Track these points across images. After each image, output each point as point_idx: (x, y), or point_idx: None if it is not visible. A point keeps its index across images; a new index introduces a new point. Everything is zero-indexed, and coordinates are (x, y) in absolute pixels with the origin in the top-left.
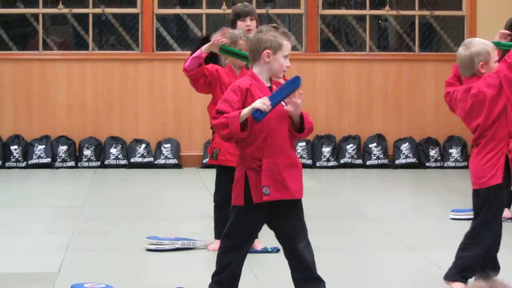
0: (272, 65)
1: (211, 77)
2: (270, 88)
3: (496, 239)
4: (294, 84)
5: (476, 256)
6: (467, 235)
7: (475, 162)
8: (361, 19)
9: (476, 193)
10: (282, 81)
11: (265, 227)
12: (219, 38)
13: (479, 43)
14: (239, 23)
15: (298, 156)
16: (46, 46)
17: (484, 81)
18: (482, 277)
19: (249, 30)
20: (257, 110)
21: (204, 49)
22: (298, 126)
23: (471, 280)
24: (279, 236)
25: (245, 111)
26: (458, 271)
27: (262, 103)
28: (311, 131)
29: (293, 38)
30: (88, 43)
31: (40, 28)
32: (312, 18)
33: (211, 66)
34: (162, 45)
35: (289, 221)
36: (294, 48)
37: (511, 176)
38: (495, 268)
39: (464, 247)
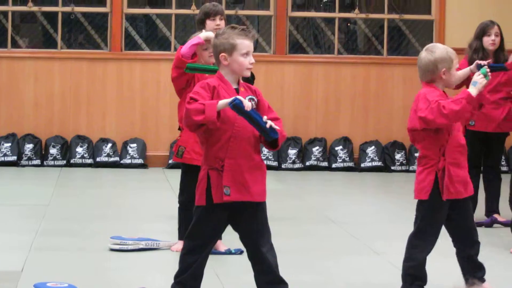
0: (232, 67)
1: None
2: (237, 90)
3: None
4: (270, 134)
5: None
6: (407, 246)
7: (416, 172)
8: (330, 21)
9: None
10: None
11: (229, 229)
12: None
13: (444, 49)
14: (208, 22)
15: (264, 158)
16: (14, 44)
17: (420, 106)
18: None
19: (219, 29)
20: (241, 102)
21: (203, 36)
22: (270, 141)
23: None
24: (242, 238)
25: (223, 101)
26: (410, 283)
27: (247, 101)
28: (283, 140)
29: (251, 34)
30: (57, 41)
31: (9, 26)
32: (281, 20)
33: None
34: (130, 44)
35: (252, 224)
36: (262, 49)
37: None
38: (478, 269)
39: (407, 257)
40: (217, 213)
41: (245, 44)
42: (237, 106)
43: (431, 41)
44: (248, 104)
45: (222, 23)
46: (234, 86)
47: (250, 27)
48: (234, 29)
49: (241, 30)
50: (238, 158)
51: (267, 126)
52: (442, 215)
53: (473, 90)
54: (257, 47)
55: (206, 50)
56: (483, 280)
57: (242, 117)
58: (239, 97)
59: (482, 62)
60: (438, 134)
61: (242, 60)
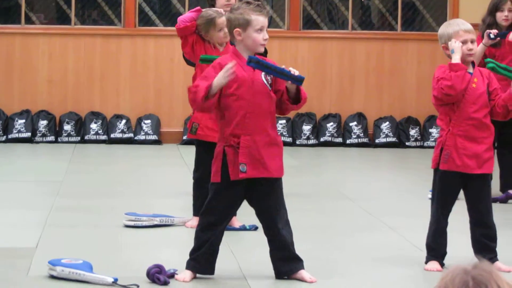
0: (246, 42)
1: (196, 43)
2: None
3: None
4: (298, 77)
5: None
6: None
7: None
8: None
9: None
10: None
11: (244, 204)
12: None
13: (444, 25)
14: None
15: (278, 133)
16: (28, 20)
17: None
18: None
19: (229, 5)
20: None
21: (204, 11)
22: (294, 96)
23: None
24: (258, 214)
25: (217, 79)
26: (427, 252)
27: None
28: (305, 102)
29: (266, 10)
30: (71, 17)
31: (22, 2)
32: None
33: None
34: (144, 20)
35: (268, 200)
36: (276, 25)
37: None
38: (488, 252)
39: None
40: (233, 189)
41: (260, 20)
42: (252, 60)
43: (445, 17)
44: (232, 67)
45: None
46: None
47: (264, 3)
48: (249, 5)
49: (256, 6)
50: (254, 134)
51: (292, 72)
52: (449, 187)
53: (453, 58)
54: (271, 23)
55: (220, 31)
56: (493, 261)
57: (257, 93)
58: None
59: (491, 32)
60: (448, 105)
61: (256, 36)
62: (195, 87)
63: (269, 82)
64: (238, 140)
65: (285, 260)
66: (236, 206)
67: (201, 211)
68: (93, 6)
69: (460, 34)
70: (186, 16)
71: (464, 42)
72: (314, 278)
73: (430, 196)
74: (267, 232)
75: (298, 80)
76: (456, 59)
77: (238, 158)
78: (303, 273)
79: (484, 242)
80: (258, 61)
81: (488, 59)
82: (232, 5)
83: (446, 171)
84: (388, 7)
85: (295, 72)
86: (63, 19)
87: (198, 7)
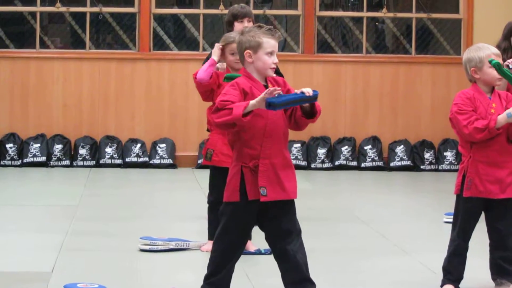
0: (256, 64)
1: (214, 84)
2: (266, 86)
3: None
4: (314, 96)
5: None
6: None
7: None
8: (358, 21)
9: None
10: (277, 80)
11: (258, 229)
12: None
13: (474, 49)
14: (236, 24)
15: (293, 157)
16: (43, 45)
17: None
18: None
19: None
20: (273, 97)
21: (214, 55)
22: (309, 111)
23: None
24: (269, 237)
25: (253, 101)
26: (443, 275)
27: (274, 92)
28: (320, 114)
29: (278, 34)
30: (85, 42)
31: (37, 26)
32: (309, 19)
33: (213, 78)
34: (159, 44)
35: (281, 222)
36: (291, 49)
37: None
38: (505, 274)
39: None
40: (250, 210)
41: (271, 43)
42: (272, 104)
43: (459, 40)
44: (278, 91)
45: (250, 25)
46: (263, 83)
47: (278, 26)
48: (261, 28)
49: (267, 30)
50: (272, 157)
51: (306, 94)
52: (472, 213)
53: (501, 120)
54: (285, 47)
55: (233, 55)
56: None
57: (274, 116)
58: (267, 93)
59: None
60: None
61: (266, 59)
62: (223, 105)
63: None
64: (256, 162)
65: (298, 283)
66: (250, 227)
67: (216, 234)
68: (108, 30)
69: (492, 58)
70: (204, 74)
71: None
72: None
73: (445, 219)
74: (277, 255)
75: (315, 99)
76: (502, 123)
77: (256, 179)
78: None
79: (503, 265)
80: (274, 104)
81: (491, 59)
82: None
83: (469, 197)
84: (402, 31)
85: (309, 92)
86: (78, 43)
87: (212, 60)
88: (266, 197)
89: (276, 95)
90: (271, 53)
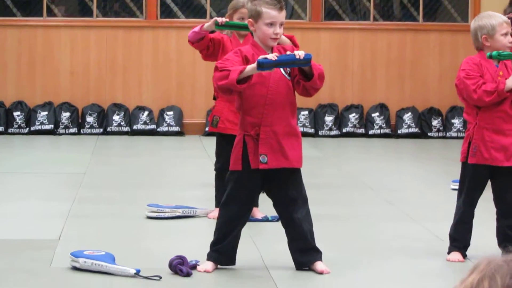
0: (257, 34)
1: (213, 47)
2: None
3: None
4: (305, 59)
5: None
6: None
7: None
8: None
9: None
10: (286, 48)
11: (265, 196)
12: (220, 19)
13: (485, 17)
14: None
15: (300, 125)
16: (50, 13)
17: (457, 73)
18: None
19: None
20: (264, 58)
21: (206, 26)
22: (308, 73)
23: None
24: (276, 205)
25: (250, 66)
26: (450, 243)
27: (270, 55)
28: (323, 77)
29: (280, 5)
30: (93, 9)
31: None
32: None
33: (216, 34)
34: (166, 12)
35: (287, 190)
36: (298, 16)
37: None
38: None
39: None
40: (253, 178)
41: (270, 14)
42: (262, 64)
43: (467, 8)
44: (271, 56)
45: None
46: (268, 52)
47: None
48: None
49: (272, 0)
50: (274, 125)
51: (297, 56)
52: (477, 180)
53: (510, 83)
54: (292, 14)
55: (240, 20)
56: None
57: (276, 83)
58: (260, 56)
59: None
60: None
61: (266, 29)
62: (223, 66)
63: (288, 72)
64: (257, 130)
65: (304, 251)
66: (255, 195)
67: (221, 202)
68: None
69: (503, 26)
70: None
71: (505, 34)
72: (327, 270)
73: (452, 187)
74: (285, 223)
75: (306, 62)
76: (509, 86)
77: (258, 148)
78: (317, 264)
79: (509, 234)
80: (263, 64)
81: (489, 54)
82: None
83: (474, 164)
84: None
85: (300, 55)
86: (85, 12)
87: (199, 29)
88: (267, 164)
89: (271, 56)
90: (271, 24)
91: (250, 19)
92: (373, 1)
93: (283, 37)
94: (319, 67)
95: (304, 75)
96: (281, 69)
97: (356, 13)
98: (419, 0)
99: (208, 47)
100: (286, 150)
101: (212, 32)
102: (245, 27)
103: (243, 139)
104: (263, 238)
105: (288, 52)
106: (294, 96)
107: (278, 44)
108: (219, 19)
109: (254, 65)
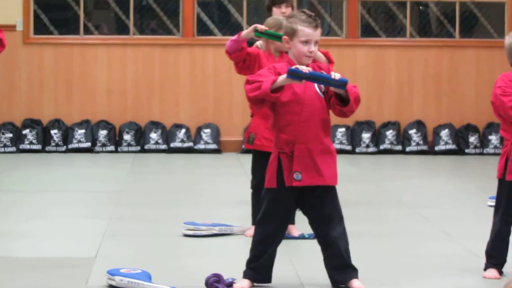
0: (292, 51)
1: (249, 60)
2: None
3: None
4: (339, 81)
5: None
6: None
7: None
8: (401, 4)
9: None
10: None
11: (302, 214)
12: (260, 26)
13: None
14: (274, 9)
15: (337, 142)
16: (87, 31)
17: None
18: None
19: (285, 15)
20: (296, 68)
21: (244, 34)
22: (344, 97)
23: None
24: (312, 222)
25: (282, 76)
26: (486, 259)
27: (303, 67)
28: (359, 101)
29: (315, 23)
30: (129, 27)
31: (81, 12)
32: (353, 4)
33: (253, 49)
34: (203, 30)
35: (322, 208)
36: (334, 33)
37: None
38: None
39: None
40: (288, 195)
41: (306, 32)
42: (293, 72)
43: (503, 24)
44: (304, 68)
45: (288, 10)
46: None
47: (321, 11)
48: (302, 15)
49: (307, 17)
50: (308, 142)
51: (332, 76)
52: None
53: None
54: (329, 31)
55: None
56: None
57: (310, 101)
58: (293, 66)
59: None
60: None
61: (300, 47)
62: (254, 79)
63: (322, 90)
64: (292, 148)
65: (340, 269)
66: (291, 213)
67: (257, 220)
68: (152, 16)
69: None
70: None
71: None
72: (363, 287)
73: (489, 203)
74: (321, 241)
75: (340, 85)
76: None
77: (292, 165)
78: (353, 282)
79: None
80: (294, 73)
81: None
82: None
83: (511, 181)
84: (446, 14)
85: (335, 76)
86: (122, 29)
87: (238, 35)
88: (301, 182)
89: (305, 68)
90: (306, 42)
91: (285, 36)
92: (410, 17)
93: (318, 53)
94: (355, 90)
95: (340, 99)
96: (316, 87)
97: (393, 30)
98: (456, 16)
99: (245, 60)
100: (320, 167)
101: (250, 43)
102: (278, 37)
103: (278, 156)
104: (299, 256)
105: (322, 71)
106: (328, 113)
107: (314, 61)
108: (259, 26)
109: (285, 75)
